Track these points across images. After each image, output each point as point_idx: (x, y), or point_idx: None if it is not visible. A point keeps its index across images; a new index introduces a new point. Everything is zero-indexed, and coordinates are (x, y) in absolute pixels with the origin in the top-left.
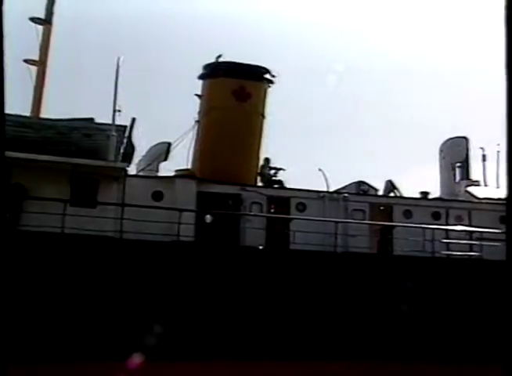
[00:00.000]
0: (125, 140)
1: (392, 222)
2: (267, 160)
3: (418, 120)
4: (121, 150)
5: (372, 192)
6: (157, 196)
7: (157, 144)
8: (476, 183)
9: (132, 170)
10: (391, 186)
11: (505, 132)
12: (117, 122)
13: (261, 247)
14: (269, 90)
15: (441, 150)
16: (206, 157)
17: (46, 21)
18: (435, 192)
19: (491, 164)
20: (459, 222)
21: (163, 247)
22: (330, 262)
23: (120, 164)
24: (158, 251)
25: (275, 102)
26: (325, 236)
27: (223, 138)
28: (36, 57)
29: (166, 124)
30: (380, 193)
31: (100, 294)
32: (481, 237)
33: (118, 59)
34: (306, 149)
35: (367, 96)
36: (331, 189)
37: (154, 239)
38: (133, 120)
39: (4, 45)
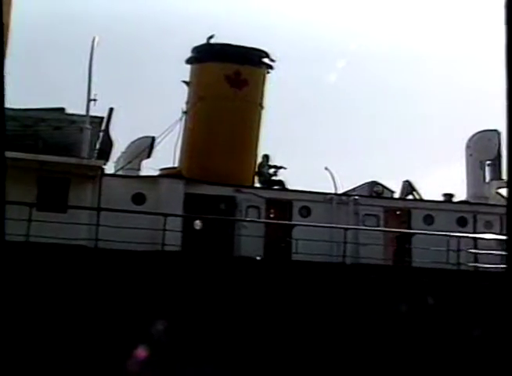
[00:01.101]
0: (101, 134)
1: (410, 228)
2: (266, 157)
3: (439, 112)
4: (97, 146)
5: (387, 194)
6: (139, 199)
7: (139, 139)
8: None
9: (110, 168)
10: (409, 187)
11: (505, 132)
12: (92, 113)
13: (258, 258)
14: (268, 77)
15: (467, 146)
16: (195, 154)
17: None
18: (461, 194)
19: None
20: (488, 229)
21: (145, 257)
22: (338, 275)
23: (95, 162)
24: (139, 262)
25: (276, 90)
26: (332, 245)
27: (215, 131)
28: None
29: (149, 116)
30: (397, 195)
31: (71, 311)
32: None
33: (93, 39)
34: (310, 144)
35: (378, 86)
36: (340, 191)
37: (135, 248)
38: (111, 110)
39: (4, 45)
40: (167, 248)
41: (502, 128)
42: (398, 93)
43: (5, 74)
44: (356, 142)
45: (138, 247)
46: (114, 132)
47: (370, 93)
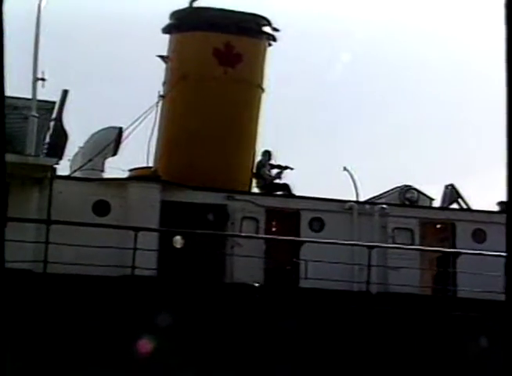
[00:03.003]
0: (53, 123)
1: (455, 247)
2: (267, 154)
3: (486, 103)
4: (47, 139)
5: (424, 202)
6: (101, 208)
7: (102, 130)
8: None
9: (64, 169)
10: (453, 193)
11: (505, 133)
12: (41, 96)
13: (256, 285)
14: (270, 51)
15: None
16: (175, 150)
17: None
18: None
19: None
20: None
21: (109, 285)
22: (360, 308)
23: (44, 160)
24: (101, 291)
25: (279, 69)
26: (352, 268)
27: (201, 121)
28: None
29: (115, 101)
30: (437, 203)
31: (14, 350)
32: None
33: (40, 2)
34: (324, 138)
35: (406, 68)
36: (362, 198)
37: (95, 273)
38: (65, 93)
39: (4, 45)
40: (138, 273)
41: None
42: (430, 79)
43: (4, 74)
44: (382, 135)
45: (101, 272)
46: (69, 122)
47: (398, 76)
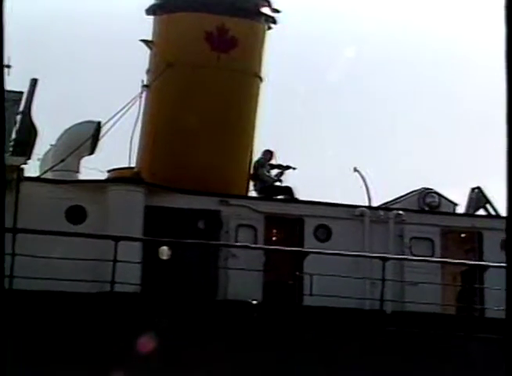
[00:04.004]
0: (20, 117)
1: (482, 259)
2: (267, 153)
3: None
4: (12, 135)
5: (446, 207)
6: (76, 214)
7: (77, 125)
8: None
9: (33, 169)
10: (480, 197)
11: (505, 133)
12: (6, 86)
13: (254, 303)
14: (269, 35)
15: None
16: (161, 149)
17: None
18: None
19: None
20: None
21: (84, 303)
22: (373, 328)
23: (10, 160)
24: (75, 310)
25: (280, 55)
26: (364, 283)
27: (190, 115)
28: None
29: (92, 92)
30: (461, 209)
31: None
32: None
33: None
34: (331, 135)
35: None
36: (375, 203)
37: (70, 289)
38: (34, 83)
39: (4, 45)
40: (118, 289)
41: None
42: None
43: (5, 74)
44: (395, 135)
45: (75, 288)
46: (39, 116)
47: (407, 80)
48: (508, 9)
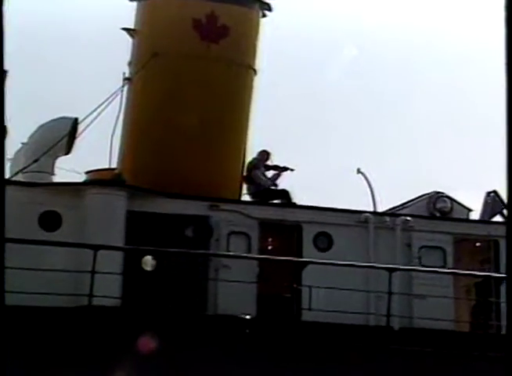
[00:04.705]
0: None
1: (499, 270)
2: (264, 154)
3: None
4: None
5: (459, 213)
6: (51, 221)
7: (52, 122)
8: None
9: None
10: (496, 201)
11: (505, 133)
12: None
13: (247, 318)
14: (264, 23)
15: None
16: (145, 148)
17: None
18: None
19: None
20: None
21: (60, 318)
22: (379, 345)
23: None
24: (50, 326)
25: (277, 46)
26: (368, 296)
27: (177, 110)
28: None
29: (68, 85)
30: (475, 215)
31: None
32: None
33: None
34: (331, 135)
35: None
36: (380, 209)
37: (43, 304)
38: (2, 74)
39: (4, 45)
40: (97, 303)
41: None
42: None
43: (5, 74)
44: (400, 135)
45: (50, 302)
46: (9, 111)
47: (410, 79)
48: (508, 9)
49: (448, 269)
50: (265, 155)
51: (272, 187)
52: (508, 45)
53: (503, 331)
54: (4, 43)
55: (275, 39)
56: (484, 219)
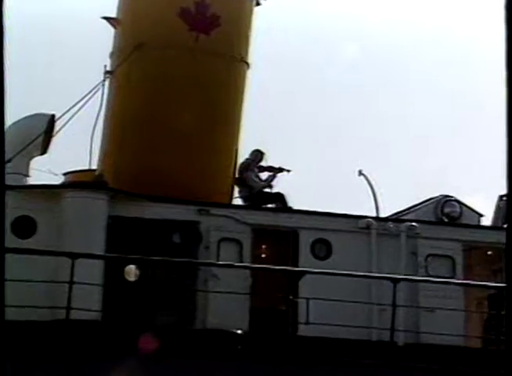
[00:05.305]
0: None
1: None
2: (258, 154)
3: None
4: None
5: (469, 219)
6: (24, 226)
7: (26, 119)
8: None
9: None
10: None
11: (505, 133)
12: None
13: (239, 332)
14: (258, 12)
15: None
16: (127, 147)
17: None
18: None
19: None
20: None
21: (34, 333)
22: (382, 362)
23: None
24: (24, 341)
25: (271, 37)
26: (370, 309)
27: (163, 106)
28: None
29: (45, 79)
30: (487, 221)
31: None
32: None
33: None
34: (332, 134)
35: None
36: (384, 214)
37: (16, 317)
38: (2, 74)
39: (4, 45)
40: (75, 316)
41: None
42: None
43: (5, 74)
44: (410, 134)
45: (24, 315)
46: None
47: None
48: (508, 9)
49: (458, 279)
50: (258, 155)
51: (267, 190)
52: (508, 44)
53: None
54: (4, 43)
55: (274, 38)
56: (497, 225)
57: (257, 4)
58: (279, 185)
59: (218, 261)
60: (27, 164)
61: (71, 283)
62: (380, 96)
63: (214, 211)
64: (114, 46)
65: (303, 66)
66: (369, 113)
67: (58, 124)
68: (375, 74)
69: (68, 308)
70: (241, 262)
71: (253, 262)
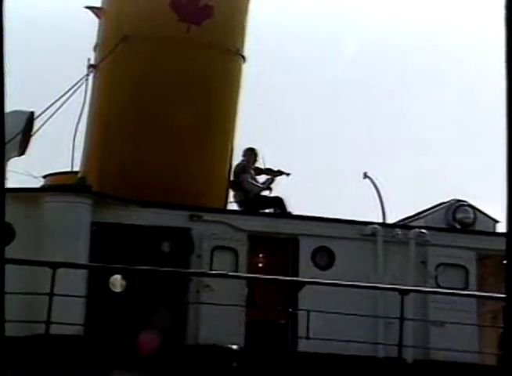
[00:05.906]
0: None
1: None
2: (252, 154)
3: None
4: None
5: (483, 225)
6: (1, 233)
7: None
8: None
9: None
10: None
11: (505, 133)
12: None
13: (234, 348)
14: (253, 2)
15: None
16: (113, 148)
17: None
18: None
19: None
20: None
21: (13, 349)
22: None
23: None
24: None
25: (269, 29)
26: (377, 323)
27: (151, 103)
28: None
29: (24, 73)
30: (501, 227)
31: None
32: None
33: None
34: (332, 134)
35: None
36: (391, 220)
37: None
38: (2, 73)
39: (4, 45)
40: (56, 331)
41: None
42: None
43: (5, 74)
44: (417, 135)
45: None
46: None
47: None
48: (508, 9)
49: (471, 290)
50: (251, 155)
51: (264, 194)
52: (508, 44)
53: None
54: (4, 43)
55: (274, 36)
56: None
57: None
58: (278, 188)
59: (212, 271)
60: (4, 166)
61: (51, 295)
62: (379, 95)
63: (207, 216)
64: (99, 38)
65: (301, 64)
66: (369, 113)
67: (37, 123)
68: (375, 71)
69: (48, 322)
70: (236, 271)
71: (249, 272)
